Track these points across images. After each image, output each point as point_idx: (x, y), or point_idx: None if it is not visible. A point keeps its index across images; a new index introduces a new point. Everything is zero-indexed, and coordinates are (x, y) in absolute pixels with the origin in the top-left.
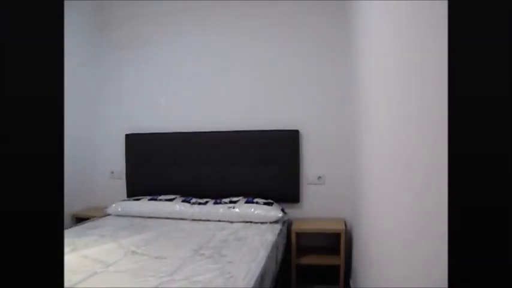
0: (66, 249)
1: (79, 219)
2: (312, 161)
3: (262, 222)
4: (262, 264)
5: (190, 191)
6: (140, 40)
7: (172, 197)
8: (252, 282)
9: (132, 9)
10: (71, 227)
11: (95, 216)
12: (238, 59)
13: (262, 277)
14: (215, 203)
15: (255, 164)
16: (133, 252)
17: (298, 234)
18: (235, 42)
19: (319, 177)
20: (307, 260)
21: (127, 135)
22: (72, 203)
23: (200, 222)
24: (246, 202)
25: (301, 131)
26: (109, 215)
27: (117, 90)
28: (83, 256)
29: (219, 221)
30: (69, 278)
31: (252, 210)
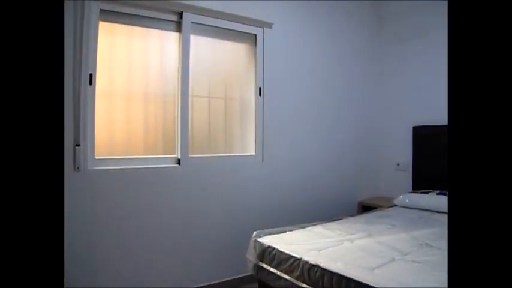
0: (361, 234)
1: (365, 207)
2: None
3: None
4: None
5: None
6: (422, 31)
7: None
8: None
9: (409, 1)
10: (357, 214)
11: (381, 206)
12: None
13: None
14: None
15: None
16: (427, 245)
17: None
18: None
19: None
20: None
21: (414, 128)
22: (358, 192)
23: None
24: None
25: None
26: (395, 205)
27: (402, 82)
28: (378, 242)
29: None
30: (371, 260)
31: None
